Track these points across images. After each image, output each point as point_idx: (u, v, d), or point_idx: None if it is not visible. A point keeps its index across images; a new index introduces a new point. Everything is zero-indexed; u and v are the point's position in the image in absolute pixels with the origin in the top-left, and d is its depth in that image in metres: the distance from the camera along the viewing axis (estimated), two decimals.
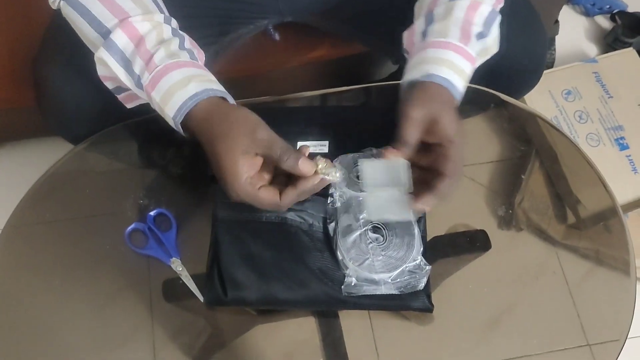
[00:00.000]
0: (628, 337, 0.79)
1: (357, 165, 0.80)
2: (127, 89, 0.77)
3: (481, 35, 0.77)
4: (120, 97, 0.80)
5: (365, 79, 0.94)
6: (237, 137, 0.67)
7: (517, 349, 0.80)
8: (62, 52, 0.87)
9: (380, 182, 0.72)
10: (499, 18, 0.79)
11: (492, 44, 0.79)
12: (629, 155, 1.35)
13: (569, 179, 0.93)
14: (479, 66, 0.82)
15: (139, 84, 0.72)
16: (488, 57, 0.81)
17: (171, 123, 0.71)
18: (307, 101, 0.95)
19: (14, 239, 0.85)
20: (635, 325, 0.80)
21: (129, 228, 0.83)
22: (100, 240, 0.84)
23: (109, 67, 0.73)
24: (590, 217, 0.92)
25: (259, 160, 0.69)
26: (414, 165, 0.73)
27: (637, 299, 0.82)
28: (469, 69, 0.76)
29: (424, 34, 0.78)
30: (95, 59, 0.74)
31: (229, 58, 0.98)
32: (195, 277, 0.81)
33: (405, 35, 0.82)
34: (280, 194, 0.69)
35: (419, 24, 0.79)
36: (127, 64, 0.73)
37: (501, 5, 0.80)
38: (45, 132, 1.16)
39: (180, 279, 0.81)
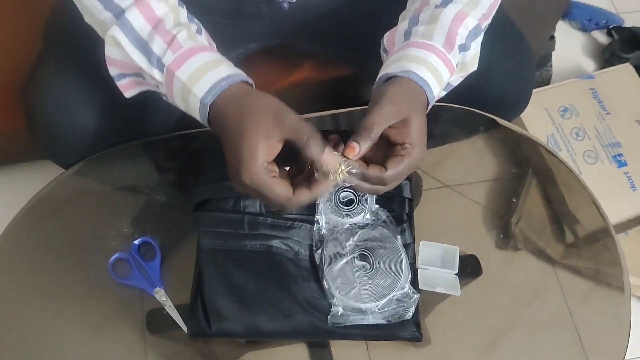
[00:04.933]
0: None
1: (340, 192, 0.82)
2: (131, 75, 0.75)
3: (463, 48, 0.75)
4: (120, 84, 0.76)
5: (353, 101, 0.93)
6: (263, 118, 0.65)
7: None
8: (52, 82, 0.86)
9: (434, 263, 0.83)
10: (482, 35, 0.77)
11: (470, 60, 0.78)
12: (627, 173, 1.32)
13: (565, 199, 0.91)
14: (465, 90, 0.80)
15: (157, 65, 0.70)
16: (465, 74, 0.79)
17: (194, 106, 0.69)
18: None
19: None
20: (633, 344, 0.80)
21: (112, 258, 0.82)
22: (85, 269, 0.83)
23: (121, 47, 0.70)
24: (585, 237, 0.91)
25: (278, 148, 0.67)
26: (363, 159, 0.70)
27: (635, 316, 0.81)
28: (447, 76, 0.74)
29: (407, 35, 0.76)
30: (106, 37, 0.71)
31: None
32: (179, 308, 0.80)
33: (387, 35, 0.80)
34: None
35: (402, 25, 0.78)
36: (142, 44, 0.70)
37: (487, 22, 0.78)
38: (37, 156, 1.15)
39: (165, 309, 0.80)
